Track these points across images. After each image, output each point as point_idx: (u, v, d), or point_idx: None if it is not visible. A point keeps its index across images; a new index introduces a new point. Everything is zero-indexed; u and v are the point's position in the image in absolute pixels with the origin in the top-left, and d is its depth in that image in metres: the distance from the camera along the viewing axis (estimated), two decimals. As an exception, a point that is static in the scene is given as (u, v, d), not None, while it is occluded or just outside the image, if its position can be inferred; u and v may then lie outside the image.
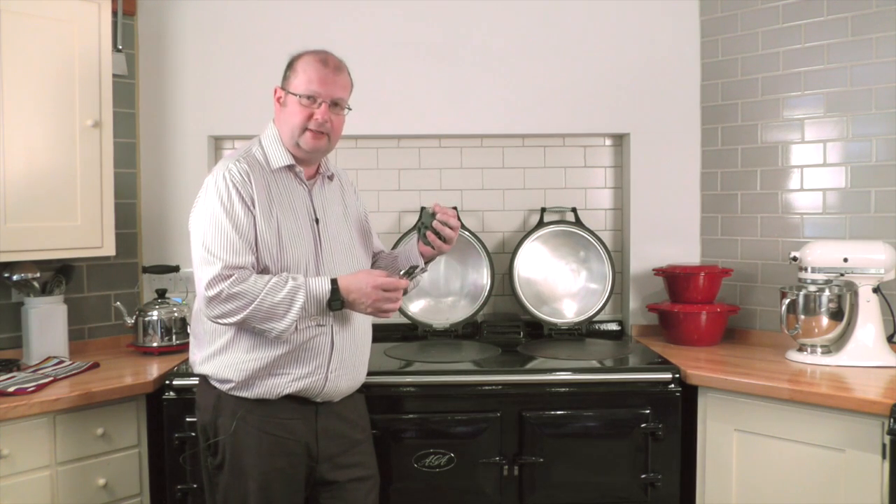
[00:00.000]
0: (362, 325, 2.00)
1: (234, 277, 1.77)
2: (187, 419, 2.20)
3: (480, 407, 2.31)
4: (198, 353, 1.96)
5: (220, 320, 1.81)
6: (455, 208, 3.01)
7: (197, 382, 2.01)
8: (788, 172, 2.74)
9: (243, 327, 1.83)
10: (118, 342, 2.79)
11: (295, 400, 1.90)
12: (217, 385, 1.90)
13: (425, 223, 1.97)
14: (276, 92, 1.97)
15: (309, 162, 1.98)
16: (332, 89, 1.91)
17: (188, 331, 2.65)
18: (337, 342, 1.91)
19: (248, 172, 1.86)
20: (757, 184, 2.81)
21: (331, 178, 2.06)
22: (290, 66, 1.95)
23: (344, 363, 1.93)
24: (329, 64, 1.92)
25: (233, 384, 1.87)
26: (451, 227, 1.96)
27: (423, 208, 2.02)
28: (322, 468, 1.93)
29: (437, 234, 1.95)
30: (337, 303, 1.82)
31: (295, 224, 1.90)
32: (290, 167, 1.94)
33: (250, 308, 1.77)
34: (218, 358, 1.89)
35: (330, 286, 1.82)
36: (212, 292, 1.77)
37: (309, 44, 2.01)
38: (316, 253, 1.92)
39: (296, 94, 1.89)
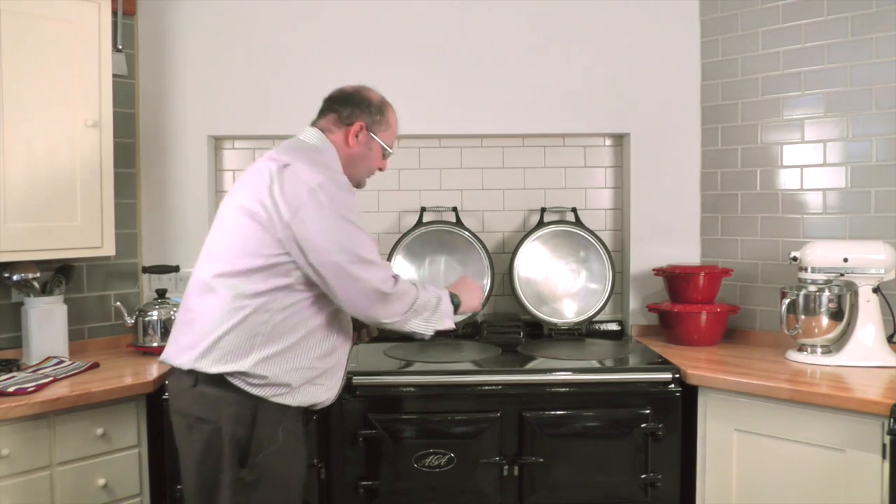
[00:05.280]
0: None
1: (399, 276, 1.86)
2: (187, 419, 2.20)
3: (480, 407, 2.31)
4: (250, 354, 1.76)
5: (387, 320, 1.84)
6: (454, 208, 2.99)
7: (211, 390, 1.77)
8: (788, 172, 2.74)
9: (402, 327, 1.87)
10: (118, 342, 2.79)
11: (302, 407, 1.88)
12: (257, 391, 1.75)
13: None
14: (358, 127, 1.95)
15: None
16: None
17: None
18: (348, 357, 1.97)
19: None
20: (757, 184, 2.81)
21: None
22: (382, 112, 2.01)
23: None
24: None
25: (287, 389, 1.78)
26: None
27: None
28: None
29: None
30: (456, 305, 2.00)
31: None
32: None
33: (415, 304, 1.86)
34: (279, 359, 1.77)
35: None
36: (388, 288, 1.80)
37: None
38: None
39: (385, 147, 2.03)
